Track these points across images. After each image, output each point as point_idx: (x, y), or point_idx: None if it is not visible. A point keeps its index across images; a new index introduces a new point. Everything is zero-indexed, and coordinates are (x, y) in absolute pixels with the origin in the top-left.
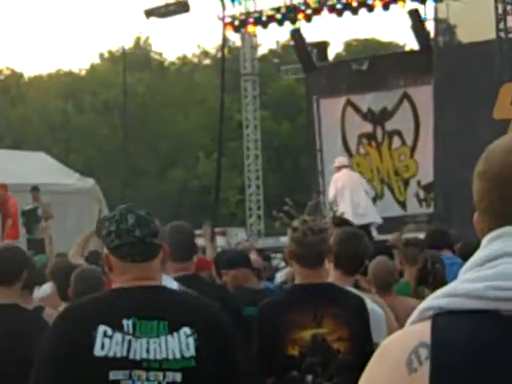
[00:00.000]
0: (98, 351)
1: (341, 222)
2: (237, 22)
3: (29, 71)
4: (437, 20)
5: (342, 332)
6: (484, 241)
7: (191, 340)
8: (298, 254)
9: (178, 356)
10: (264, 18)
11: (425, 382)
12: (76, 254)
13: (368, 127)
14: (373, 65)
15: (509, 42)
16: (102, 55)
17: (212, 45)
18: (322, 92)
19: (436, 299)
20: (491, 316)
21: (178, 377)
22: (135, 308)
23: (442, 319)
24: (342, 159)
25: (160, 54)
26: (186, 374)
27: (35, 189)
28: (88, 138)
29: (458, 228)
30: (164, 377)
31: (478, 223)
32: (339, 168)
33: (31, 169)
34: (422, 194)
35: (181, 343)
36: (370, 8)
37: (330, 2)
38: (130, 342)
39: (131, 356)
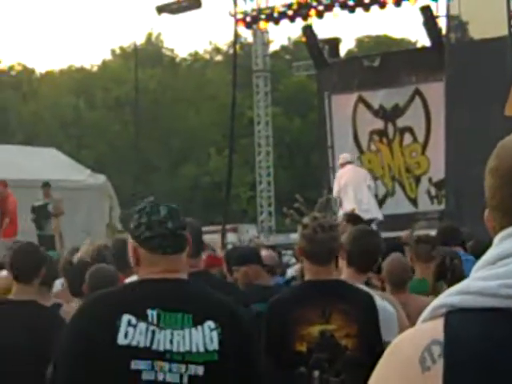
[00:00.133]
0: (121, 340)
1: (353, 218)
2: (249, 19)
3: (41, 67)
4: (449, 16)
5: (351, 329)
6: (496, 239)
7: (215, 334)
8: (308, 250)
9: (201, 349)
10: (276, 15)
11: (438, 379)
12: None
13: (379, 124)
14: (384, 61)
15: None
16: (113, 51)
17: (224, 41)
18: (334, 88)
19: (448, 297)
20: (504, 314)
21: (201, 370)
22: (160, 299)
23: (454, 317)
24: (345, 156)
25: (172, 51)
26: (209, 368)
27: (46, 185)
28: (99, 134)
29: (469, 225)
30: (186, 369)
31: (489, 221)
32: (343, 164)
33: (43, 165)
34: (433, 190)
35: (205, 337)
36: (382, 4)
37: None
38: (153, 332)
39: (154, 346)
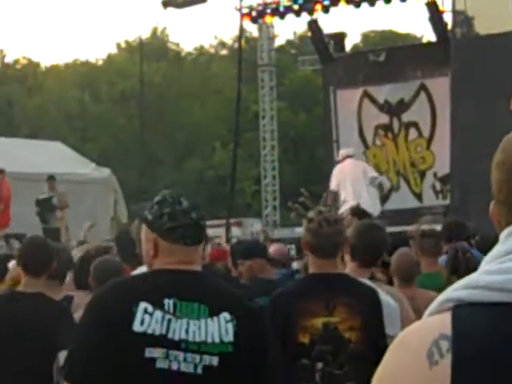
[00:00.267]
0: (137, 327)
1: (358, 212)
2: (254, 13)
3: (46, 61)
4: (454, 11)
5: (354, 321)
6: (502, 235)
7: (230, 326)
8: (313, 244)
9: (216, 340)
10: (281, 9)
11: (446, 374)
12: None
13: (384, 119)
14: (390, 56)
15: None
16: (119, 45)
17: (229, 35)
18: (339, 83)
19: (456, 291)
20: (511, 308)
21: (215, 361)
22: (177, 289)
23: (462, 311)
24: (343, 151)
25: (177, 45)
26: (223, 359)
27: (51, 178)
28: (104, 127)
29: (474, 220)
30: (201, 360)
31: (494, 215)
32: (342, 160)
33: (47, 158)
34: (438, 185)
35: (220, 328)
36: None
37: None
38: (169, 321)
39: (170, 335)
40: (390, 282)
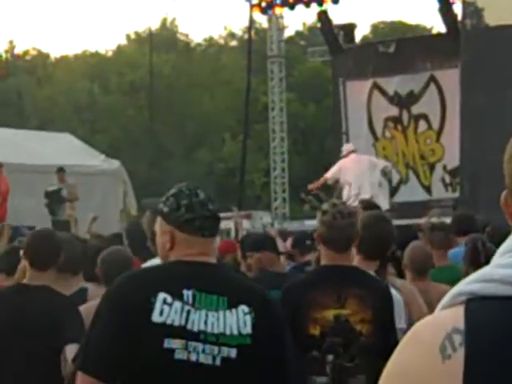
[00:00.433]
0: (156, 317)
1: (369, 205)
2: (264, 4)
3: (55, 52)
4: (464, 3)
5: (366, 314)
6: None
7: (248, 318)
8: (327, 236)
9: (235, 332)
10: (291, 0)
11: (459, 368)
12: None
13: (394, 111)
14: (400, 47)
15: None
16: (128, 36)
17: (239, 26)
18: (349, 74)
19: (468, 284)
20: None
21: (233, 353)
22: (196, 280)
23: (475, 305)
24: (347, 146)
25: (186, 36)
26: (241, 351)
27: (61, 170)
28: (114, 118)
29: (484, 212)
30: (219, 351)
31: (506, 206)
32: (346, 155)
33: (57, 150)
34: (447, 178)
35: (238, 320)
36: None
37: None
38: (188, 312)
39: (189, 326)
40: (400, 276)
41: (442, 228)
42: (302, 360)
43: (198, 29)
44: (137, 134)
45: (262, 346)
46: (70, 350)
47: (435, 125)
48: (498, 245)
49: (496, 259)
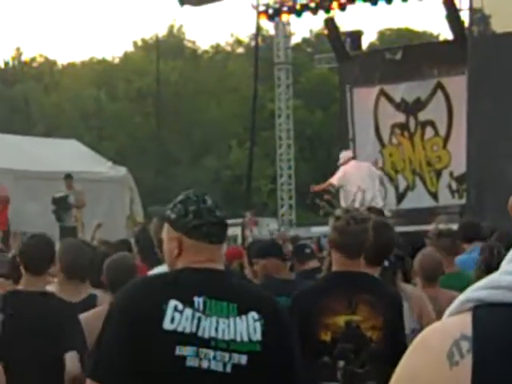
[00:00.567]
0: (167, 324)
1: (375, 211)
2: (271, 11)
3: (62, 59)
4: (471, 9)
5: (377, 320)
6: None
7: (258, 325)
8: (339, 242)
9: (245, 339)
10: (298, 7)
11: (467, 375)
12: None
13: (401, 117)
14: (406, 54)
15: None
16: (135, 43)
17: (245, 33)
18: (356, 81)
19: (476, 291)
20: None
21: (244, 359)
22: (206, 287)
23: (482, 312)
24: (346, 153)
25: (193, 43)
26: (252, 358)
27: (69, 176)
28: (121, 125)
29: (490, 219)
30: (230, 358)
31: None
32: (346, 162)
33: (63, 156)
34: (454, 185)
35: (249, 326)
36: None
37: None
38: (199, 319)
39: (200, 333)
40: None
41: (449, 234)
42: (312, 366)
43: (204, 36)
44: (144, 141)
45: (272, 353)
46: (70, 358)
47: (442, 131)
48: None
49: (503, 266)
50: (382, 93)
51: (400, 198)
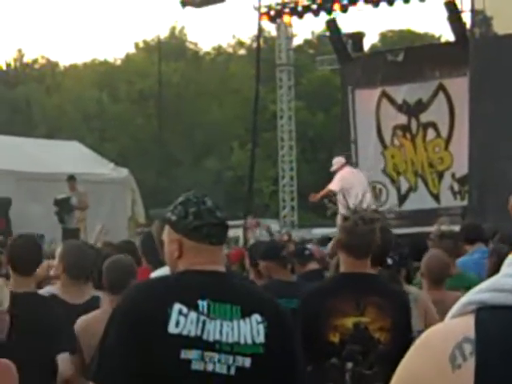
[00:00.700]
0: (172, 328)
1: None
2: (273, 12)
3: (64, 60)
4: (473, 11)
5: (385, 322)
6: None
7: (261, 327)
8: (347, 242)
9: (249, 341)
10: (300, 9)
11: (470, 378)
12: None
13: (403, 119)
14: (408, 56)
15: None
16: (137, 45)
17: (247, 35)
18: (357, 83)
19: (478, 294)
20: None
21: (248, 362)
22: (210, 290)
23: (485, 314)
24: (338, 159)
25: (195, 44)
26: (255, 361)
27: (72, 178)
28: (122, 127)
29: (491, 220)
30: (234, 361)
31: None
32: (340, 167)
33: (65, 158)
34: (456, 186)
35: (252, 329)
36: None
37: None
38: (204, 322)
39: (205, 337)
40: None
41: (451, 236)
42: (321, 367)
43: (206, 37)
44: (145, 143)
45: (275, 356)
46: (62, 360)
47: (444, 133)
48: (502, 254)
49: (505, 268)
50: (384, 94)
51: (402, 199)
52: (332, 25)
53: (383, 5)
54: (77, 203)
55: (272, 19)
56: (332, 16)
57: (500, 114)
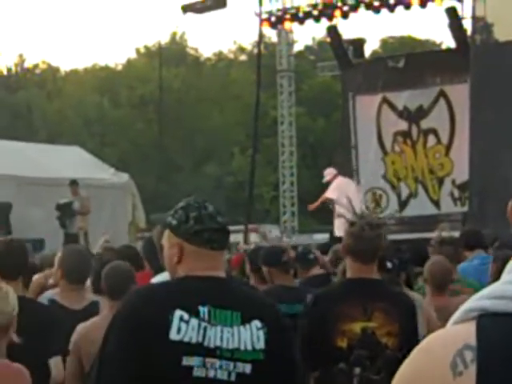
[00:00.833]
0: (173, 335)
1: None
2: (273, 18)
3: (65, 66)
4: (474, 18)
5: (392, 327)
6: None
7: (261, 333)
8: (354, 247)
9: (249, 347)
10: (301, 15)
11: None
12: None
13: (403, 125)
14: (409, 62)
15: None
16: (138, 50)
17: (248, 41)
18: (358, 89)
19: (479, 300)
20: None
21: (248, 368)
22: (210, 296)
23: (486, 321)
24: (329, 170)
25: (196, 50)
26: (255, 367)
27: (74, 183)
28: (123, 132)
29: (492, 227)
30: (234, 367)
31: None
32: (333, 178)
33: (66, 163)
34: (456, 192)
35: (252, 335)
36: (407, 5)
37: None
38: (205, 328)
39: (206, 343)
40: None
41: (451, 242)
42: (329, 372)
43: (207, 43)
44: (146, 148)
45: (275, 362)
46: (55, 364)
47: (444, 139)
48: (506, 260)
49: (506, 275)
50: (385, 100)
51: (402, 205)
52: (333, 31)
53: (384, 11)
54: (79, 208)
55: (273, 25)
56: (333, 22)
57: (500, 121)
